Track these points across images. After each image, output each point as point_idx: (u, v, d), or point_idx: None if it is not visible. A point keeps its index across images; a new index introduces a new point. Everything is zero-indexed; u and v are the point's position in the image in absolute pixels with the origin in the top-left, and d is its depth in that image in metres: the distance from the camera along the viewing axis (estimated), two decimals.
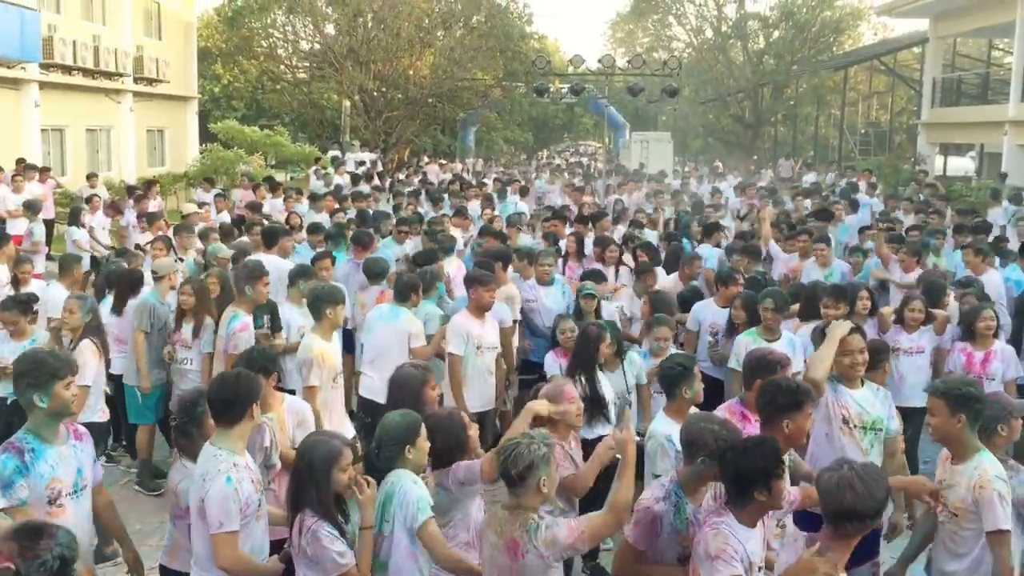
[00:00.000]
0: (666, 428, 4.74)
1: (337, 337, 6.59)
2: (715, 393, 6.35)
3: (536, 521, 3.71)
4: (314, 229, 10.36)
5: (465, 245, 10.84)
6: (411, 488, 3.94)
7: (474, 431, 4.51)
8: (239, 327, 6.80)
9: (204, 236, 10.28)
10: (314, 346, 6.02)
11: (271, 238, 9.17)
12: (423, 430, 4.11)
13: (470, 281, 7.12)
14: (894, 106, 38.41)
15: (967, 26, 26.98)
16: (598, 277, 8.30)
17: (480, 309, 6.94)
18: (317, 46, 33.29)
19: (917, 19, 30.39)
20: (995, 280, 8.83)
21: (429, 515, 3.90)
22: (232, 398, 3.93)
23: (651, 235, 11.98)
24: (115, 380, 7.43)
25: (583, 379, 5.75)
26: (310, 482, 3.76)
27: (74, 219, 13.09)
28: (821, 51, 35.96)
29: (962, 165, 31.30)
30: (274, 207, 14.64)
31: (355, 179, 19.92)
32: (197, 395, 4.35)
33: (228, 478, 3.78)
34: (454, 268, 9.12)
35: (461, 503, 4.31)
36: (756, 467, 3.44)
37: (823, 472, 3.39)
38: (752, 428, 4.51)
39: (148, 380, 7.35)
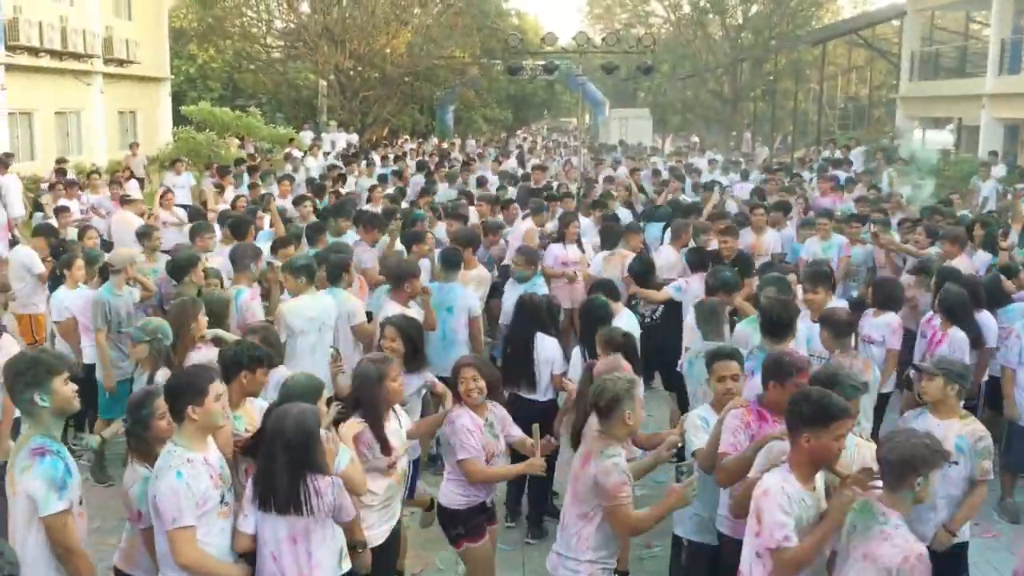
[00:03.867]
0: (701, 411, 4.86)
1: None
2: None
3: (613, 452, 4.09)
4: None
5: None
6: None
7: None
8: (248, 297, 6.94)
9: (146, 235, 8.74)
10: None
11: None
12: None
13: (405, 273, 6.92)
14: (873, 80, 38.33)
15: None
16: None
17: (411, 297, 6.85)
18: (291, 25, 32.85)
19: None
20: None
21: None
22: (177, 395, 3.84)
23: (621, 211, 11.80)
24: (88, 369, 7.24)
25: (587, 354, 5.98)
26: (308, 448, 3.82)
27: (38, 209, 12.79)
28: (800, 25, 35.84)
29: (941, 139, 31.30)
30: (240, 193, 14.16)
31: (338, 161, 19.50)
32: (144, 396, 4.20)
33: (178, 472, 3.70)
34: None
35: None
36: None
37: None
38: (768, 427, 4.31)
39: (110, 381, 7.18)
